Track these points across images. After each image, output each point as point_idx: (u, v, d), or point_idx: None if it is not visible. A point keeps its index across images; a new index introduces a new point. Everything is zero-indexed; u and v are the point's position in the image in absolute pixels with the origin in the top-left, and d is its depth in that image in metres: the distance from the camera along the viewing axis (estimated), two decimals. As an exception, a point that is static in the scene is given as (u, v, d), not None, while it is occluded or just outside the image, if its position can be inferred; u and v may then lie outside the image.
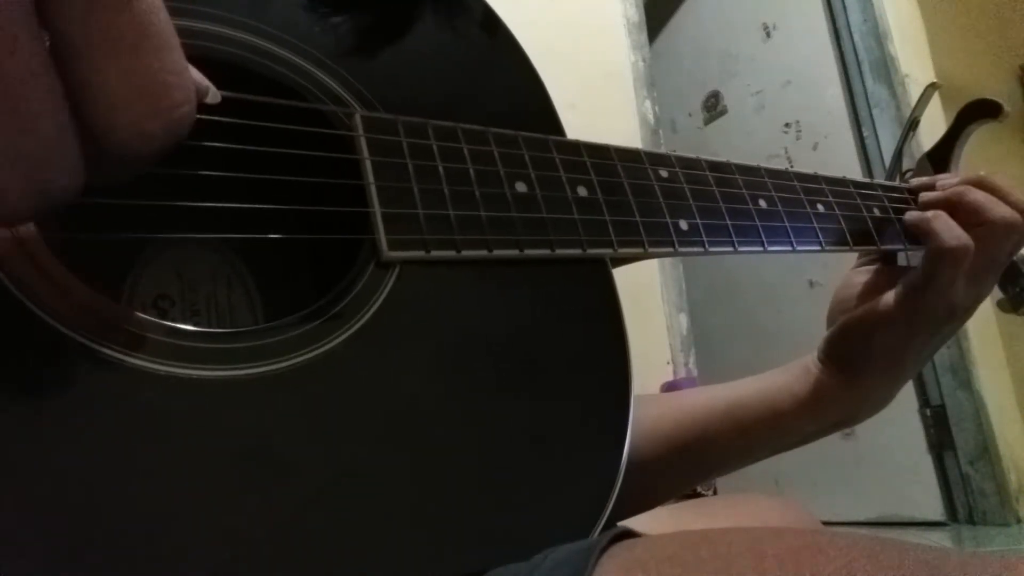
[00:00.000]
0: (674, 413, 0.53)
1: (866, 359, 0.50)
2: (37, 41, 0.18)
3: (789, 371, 0.53)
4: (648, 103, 1.72)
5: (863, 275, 0.53)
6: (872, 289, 0.52)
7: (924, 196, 0.52)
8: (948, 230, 0.47)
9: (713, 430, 0.52)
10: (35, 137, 0.18)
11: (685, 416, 0.52)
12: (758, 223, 0.44)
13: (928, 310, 0.48)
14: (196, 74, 0.23)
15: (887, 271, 0.53)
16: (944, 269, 0.46)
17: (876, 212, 0.51)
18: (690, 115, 2.75)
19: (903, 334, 0.49)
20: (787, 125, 2.41)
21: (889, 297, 0.49)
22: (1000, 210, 0.48)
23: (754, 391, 0.52)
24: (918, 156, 0.60)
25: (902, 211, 0.52)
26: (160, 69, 0.20)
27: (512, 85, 0.42)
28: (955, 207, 0.49)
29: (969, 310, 0.50)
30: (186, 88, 0.21)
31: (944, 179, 0.53)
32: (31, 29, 0.18)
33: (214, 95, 0.25)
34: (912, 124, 0.62)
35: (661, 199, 0.40)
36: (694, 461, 0.53)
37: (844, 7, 2.31)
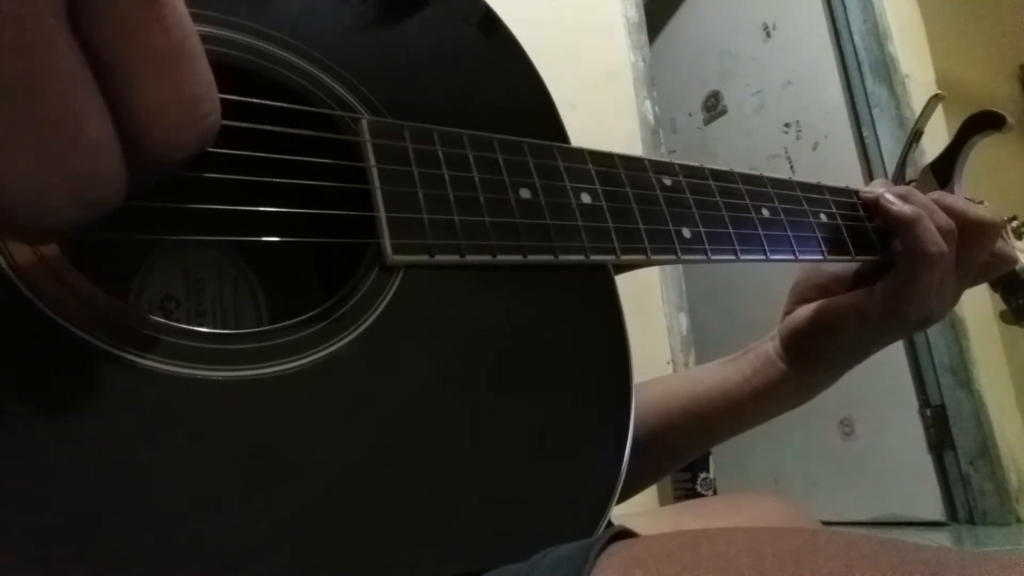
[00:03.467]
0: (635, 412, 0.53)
1: (831, 351, 0.51)
2: (75, 55, 0.18)
3: (749, 363, 0.53)
4: (648, 103, 1.72)
5: None
6: (847, 274, 0.52)
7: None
8: (930, 235, 0.47)
9: (675, 426, 0.53)
10: (81, 146, 0.18)
11: (646, 414, 0.53)
12: (760, 232, 0.44)
13: (907, 314, 0.48)
14: None
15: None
16: (923, 272, 0.47)
17: (879, 222, 0.51)
18: (690, 115, 2.74)
19: (875, 333, 0.50)
20: (787, 125, 2.41)
21: (868, 296, 0.49)
22: (978, 211, 0.49)
23: (712, 386, 0.53)
24: (921, 165, 0.60)
25: None
26: (189, 81, 0.20)
27: (515, 88, 0.42)
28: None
29: (940, 317, 0.50)
30: (213, 99, 0.21)
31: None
32: (68, 43, 0.18)
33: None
34: (915, 136, 0.62)
35: (664, 207, 0.40)
36: (656, 456, 0.54)
37: (844, 7, 2.31)
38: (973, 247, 0.50)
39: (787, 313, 0.54)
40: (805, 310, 0.52)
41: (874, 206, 0.51)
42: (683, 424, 0.53)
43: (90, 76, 0.19)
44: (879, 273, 0.50)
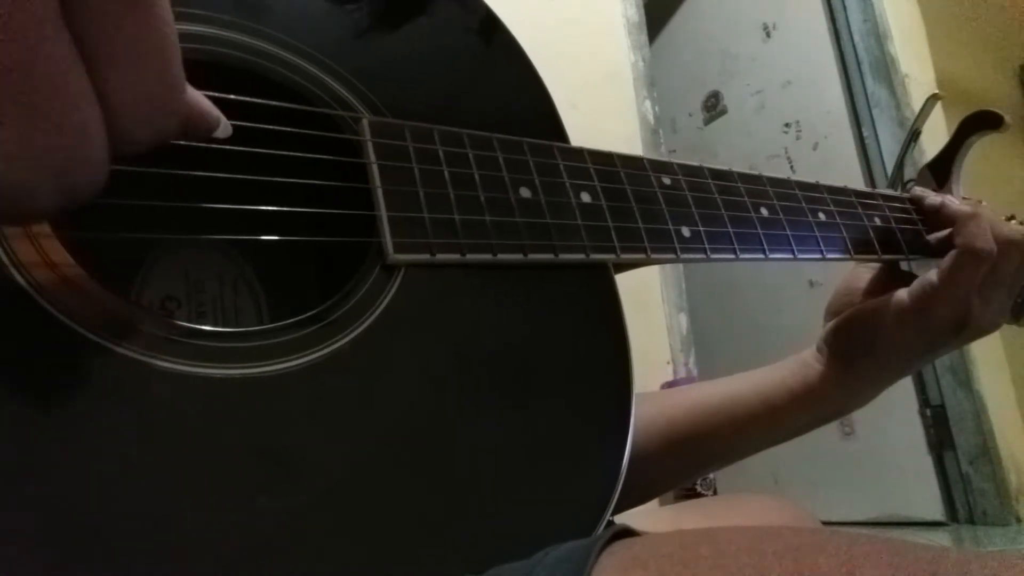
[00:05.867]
0: (669, 410, 0.53)
1: (865, 353, 0.51)
2: (66, 41, 0.18)
3: (786, 366, 0.53)
4: (648, 103, 1.72)
5: (869, 271, 0.54)
6: (879, 286, 0.53)
7: (931, 201, 0.53)
8: (983, 232, 0.48)
9: (708, 426, 0.52)
10: (66, 131, 0.18)
11: (679, 413, 0.53)
12: (760, 231, 0.44)
13: (940, 312, 0.48)
14: (209, 105, 0.24)
15: (892, 271, 0.54)
16: (967, 269, 0.47)
17: (877, 221, 0.51)
18: (690, 115, 2.74)
19: (909, 333, 0.50)
20: (787, 125, 2.41)
21: (903, 293, 0.49)
22: (1007, 229, 0.49)
23: (749, 386, 0.53)
24: (920, 165, 0.61)
25: (903, 220, 0.53)
26: (160, 82, 0.21)
27: (516, 89, 0.42)
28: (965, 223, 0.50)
29: (980, 329, 0.50)
30: (178, 101, 0.22)
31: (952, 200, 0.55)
32: (60, 29, 0.18)
33: (225, 128, 0.25)
34: (913, 135, 0.62)
35: (664, 206, 0.40)
36: (688, 456, 0.53)
37: (844, 7, 2.31)
38: (1006, 264, 0.50)
39: (824, 328, 0.54)
40: (840, 317, 0.53)
41: (934, 209, 0.52)
42: (717, 424, 0.52)
43: (80, 62, 0.19)
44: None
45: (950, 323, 0.49)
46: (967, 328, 0.49)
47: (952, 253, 0.48)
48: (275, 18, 0.34)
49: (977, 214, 0.49)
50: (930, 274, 0.49)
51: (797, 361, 0.53)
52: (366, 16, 0.38)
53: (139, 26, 0.19)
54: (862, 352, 0.51)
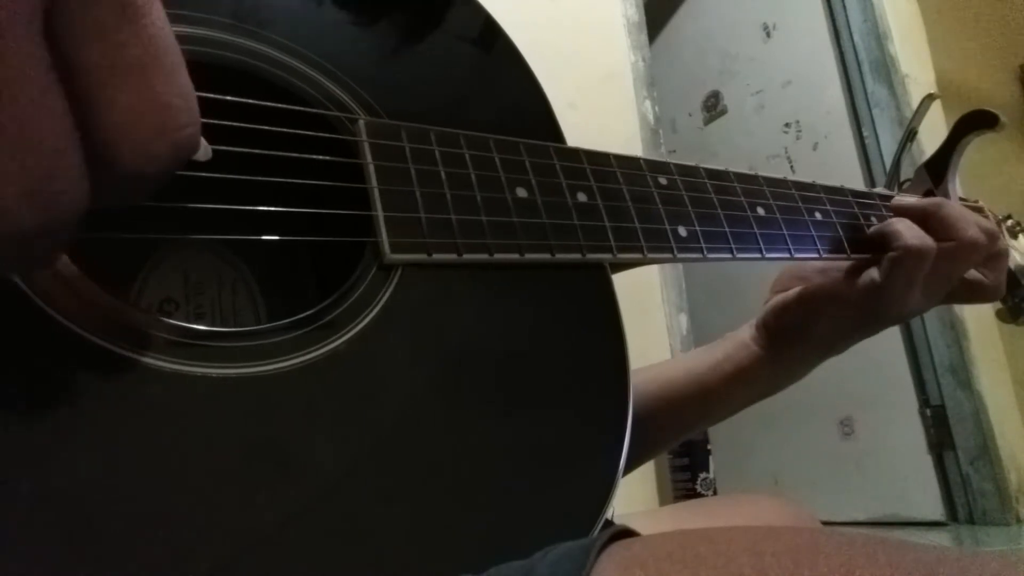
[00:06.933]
0: None
1: (802, 334, 0.52)
2: (44, 61, 0.18)
3: (722, 348, 0.55)
4: (648, 103, 1.72)
5: None
6: (830, 268, 0.53)
7: (898, 201, 0.53)
8: (910, 230, 0.48)
9: (646, 412, 0.53)
10: (39, 154, 0.18)
11: None
12: (756, 230, 0.44)
13: (882, 308, 0.49)
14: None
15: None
16: (904, 268, 0.48)
17: (874, 221, 0.51)
18: (690, 115, 2.75)
19: (849, 323, 0.51)
20: (787, 125, 2.41)
21: (850, 284, 0.50)
22: (971, 230, 0.49)
23: (684, 371, 0.54)
24: (917, 164, 0.61)
25: None
26: (165, 92, 0.20)
27: (513, 93, 0.42)
28: (929, 217, 0.50)
29: (915, 315, 0.51)
30: (191, 110, 0.21)
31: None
32: (38, 49, 0.18)
33: (205, 151, 0.25)
34: (910, 135, 0.62)
35: (660, 206, 0.40)
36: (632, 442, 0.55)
37: (844, 7, 2.31)
38: (957, 263, 0.50)
39: (766, 302, 0.55)
40: (785, 295, 0.53)
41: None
42: (655, 409, 0.54)
43: (57, 84, 0.18)
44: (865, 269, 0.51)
45: (889, 317, 0.50)
46: (903, 320, 0.51)
47: (888, 255, 0.49)
48: (272, 20, 0.34)
49: (899, 219, 0.50)
50: (872, 271, 0.49)
51: (734, 342, 0.54)
52: (362, 18, 0.38)
53: (128, 40, 0.19)
54: (798, 334, 0.52)
